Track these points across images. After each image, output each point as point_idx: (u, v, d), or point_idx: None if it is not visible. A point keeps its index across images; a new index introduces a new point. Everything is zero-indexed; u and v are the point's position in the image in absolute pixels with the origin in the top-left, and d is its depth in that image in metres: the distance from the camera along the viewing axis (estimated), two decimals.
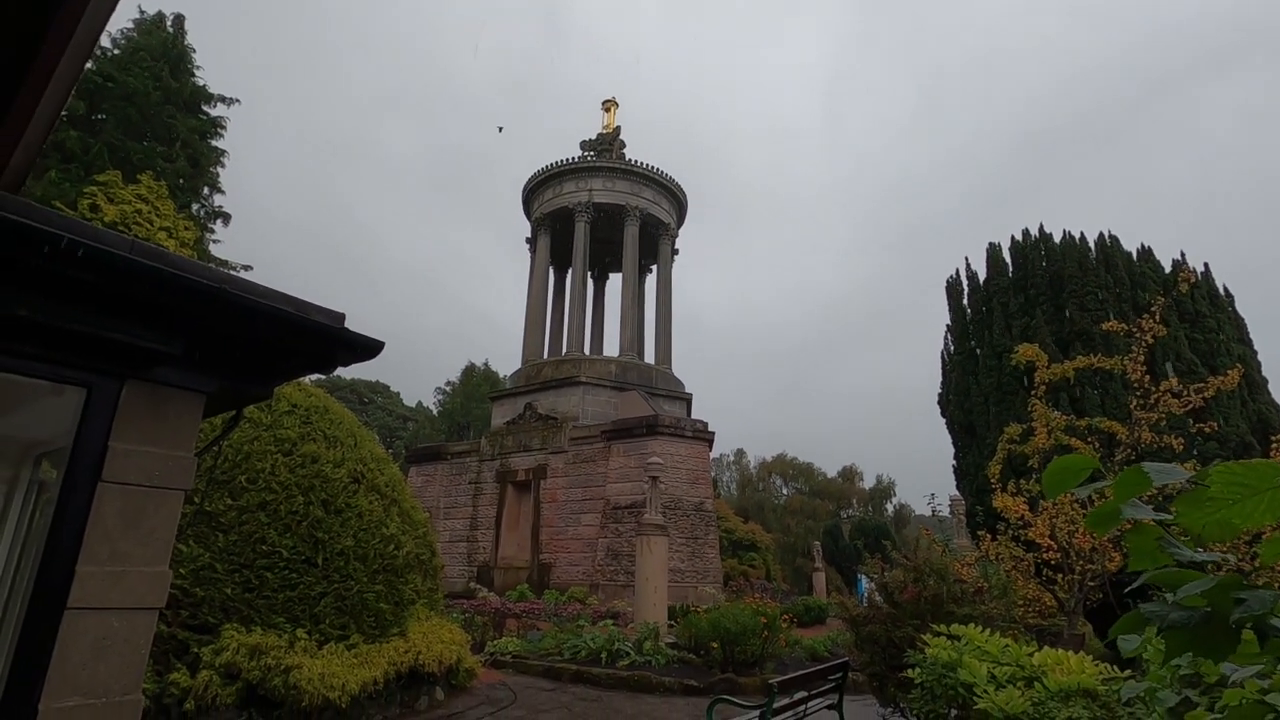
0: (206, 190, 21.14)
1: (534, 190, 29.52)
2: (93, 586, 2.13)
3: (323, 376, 44.26)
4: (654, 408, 22.93)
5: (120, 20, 20.84)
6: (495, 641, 12.44)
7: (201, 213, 20.93)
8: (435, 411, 50.83)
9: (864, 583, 18.71)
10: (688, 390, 27.32)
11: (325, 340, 2.50)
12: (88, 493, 2.17)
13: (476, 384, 46.05)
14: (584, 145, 30.23)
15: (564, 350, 27.94)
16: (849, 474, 54.42)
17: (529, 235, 30.33)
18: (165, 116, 19.53)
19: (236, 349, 2.46)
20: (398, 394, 55.09)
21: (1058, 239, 18.10)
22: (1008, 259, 18.83)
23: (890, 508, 53.76)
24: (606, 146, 29.70)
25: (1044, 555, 8.07)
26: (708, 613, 11.19)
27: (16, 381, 2.47)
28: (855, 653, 6.80)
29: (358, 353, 2.60)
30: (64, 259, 1.92)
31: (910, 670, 5.36)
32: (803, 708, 6.72)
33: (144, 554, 2.25)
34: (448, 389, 50.94)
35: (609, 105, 31.72)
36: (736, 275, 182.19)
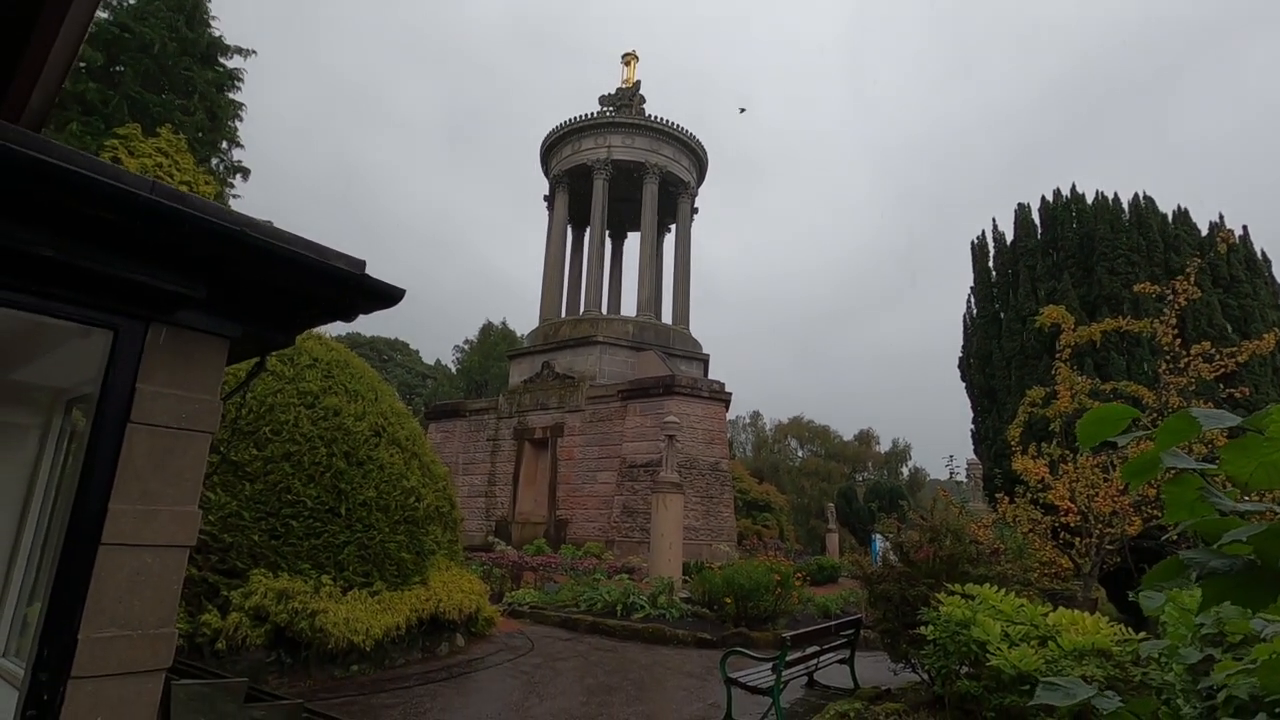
0: (225, 144, 21.09)
1: (552, 147, 29.12)
2: (125, 524, 2.18)
3: (344, 333, 44.49)
4: (671, 368, 22.95)
5: None
6: (513, 593, 12.75)
7: (221, 167, 20.93)
8: (454, 369, 51.33)
9: (878, 543, 18.84)
10: (705, 351, 27.26)
11: (346, 286, 2.49)
12: (117, 433, 2.21)
13: (494, 342, 46.32)
14: (603, 100, 29.63)
15: (581, 309, 27.91)
16: (865, 437, 54.40)
17: (547, 193, 30.04)
18: (182, 68, 19.40)
19: (258, 294, 2.46)
20: (417, 351, 55.63)
21: (1090, 200, 17.56)
22: (1036, 220, 18.34)
23: (906, 471, 53.81)
24: (626, 102, 29.09)
25: (1062, 518, 8.04)
26: (722, 569, 11.36)
27: (46, 324, 2.50)
28: (868, 610, 6.88)
29: (378, 300, 2.59)
30: (86, 197, 1.91)
31: (923, 628, 5.40)
32: (815, 661, 6.84)
33: (174, 494, 2.30)
34: (466, 347, 51.31)
35: (629, 59, 30.96)
36: (755, 235, 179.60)
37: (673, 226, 29.80)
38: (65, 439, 3.73)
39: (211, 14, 20.86)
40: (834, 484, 45.75)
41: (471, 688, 7.12)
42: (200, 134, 19.38)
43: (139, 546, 2.21)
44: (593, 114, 28.20)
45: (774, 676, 5.94)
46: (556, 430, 22.88)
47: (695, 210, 30.28)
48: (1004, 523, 8.64)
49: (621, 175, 27.50)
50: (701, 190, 30.75)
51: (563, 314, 28.31)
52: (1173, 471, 1.25)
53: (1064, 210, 17.69)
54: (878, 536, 19.31)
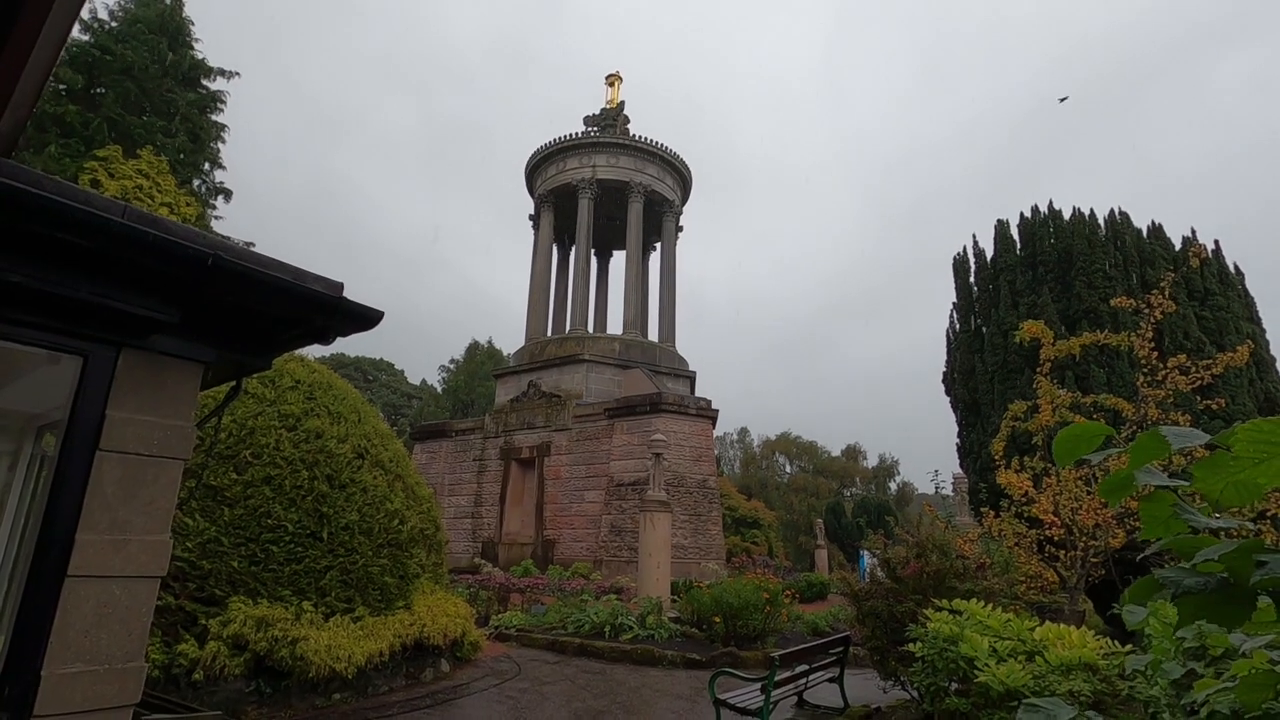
0: (207, 165, 20.99)
1: (537, 167, 29.27)
2: (93, 554, 2.12)
3: (327, 354, 44.09)
4: (658, 385, 22.93)
5: None
6: (500, 615, 12.57)
7: (203, 189, 20.81)
8: (439, 389, 50.96)
9: (866, 559, 18.82)
10: (691, 368, 27.29)
11: (323, 309, 2.46)
12: (86, 461, 2.16)
13: (480, 362, 46.11)
14: (587, 121, 29.87)
15: (568, 328, 27.88)
16: (852, 453, 54.59)
17: (532, 212, 30.13)
18: (164, 90, 19.34)
19: (234, 318, 2.43)
20: (402, 372, 55.26)
21: (1067, 216, 17.89)
22: (1016, 236, 18.64)
23: (893, 486, 54.00)
24: (610, 122, 29.34)
25: (1047, 532, 8.08)
26: (710, 588, 11.27)
27: (13, 350, 2.45)
28: (857, 627, 6.85)
29: (356, 322, 2.57)
30: (56, 223, 1.88)
31: (912, 644, 5.38)
32: (804, 681, 6.79)
33: (144, 523, 2.24)
34: (451, 366, 51.01)
35: (613, 80, 31.28)
36: (741, 253, 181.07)
37: (658, 245, 29.96)
38: (35, 466, 3.65)
39: (194, 36, 20.87)
40: (822, 500, 45.79)
41: (456, 714, 6.98)
42: (182, 156, 19.28)
43: (107, 578, 2.15)
44: (577, 134, 28.41)
45: (763, 697, 5.88)
46: (543, 449, 22.73)
47: (680, 228, 30.49)
48: (990, 537, 8.67)
49: (607, 194, 27.67)
50: (686, 209, 30.99)
51: (549, 333, 28.28)
52: (1149, 488, 1.26)
53: (1042, 226, 18.01)
54: (865, 552, 19.30)
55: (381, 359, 53.69)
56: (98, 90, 18.73)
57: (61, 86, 17.93)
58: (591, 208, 27.16)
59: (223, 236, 20.45)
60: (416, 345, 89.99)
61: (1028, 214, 18.59)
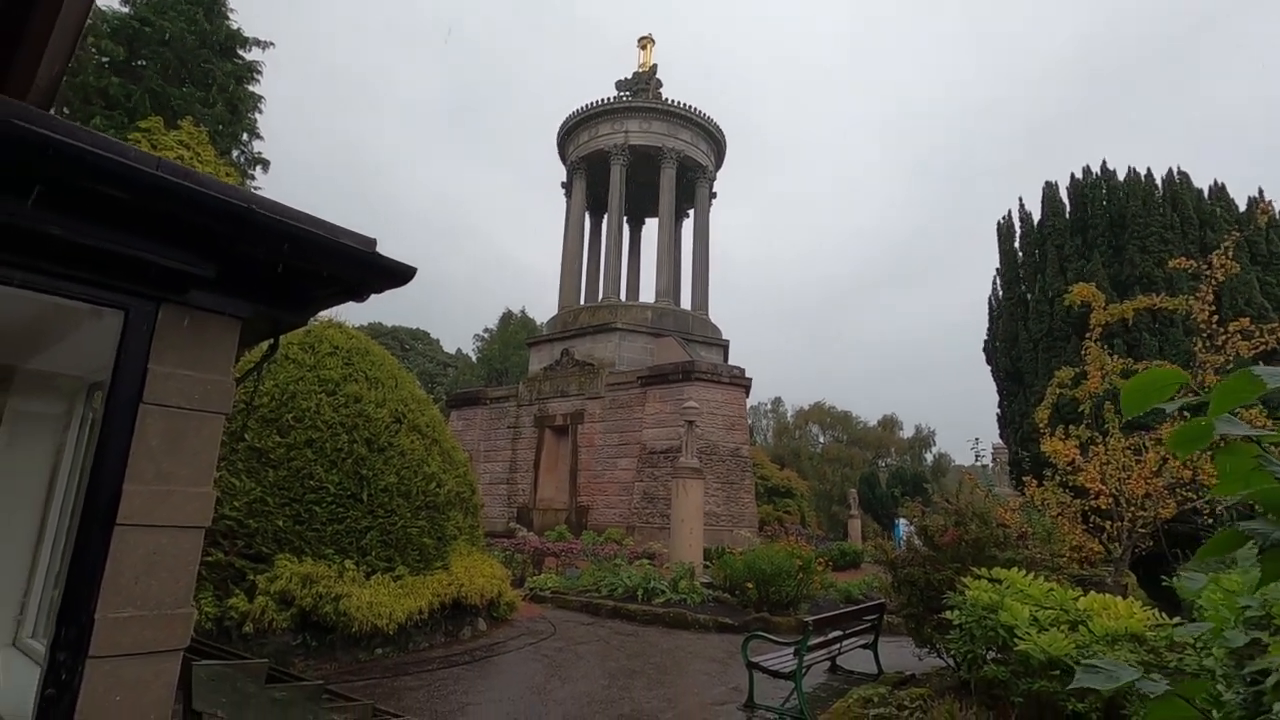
0: (245, 136, 21.26)
1: (569, 133, 28.99)
2: (140, 504, 2.17)
3: (365, 323, 44.89)
4: (690, 354, 22.84)
5: None
6: (535, 578, 12.83)
7: (241, 159, 21.12)
8: (474, 358, 51.65)
9: (901, 527, 18.65)
10: (724, 337, 27.08)
11: (356, 264, 2.45)
12: (130, 414, 2.20)
13: (514, 331, 46.49)
14: (619, 85, 29.37)
15: (600, 296, 27.85)
16: (888, 423, 53.88)
17: (564, 180, 29.95)
18: (202, 61, 19.55)
19: (268, 273, 2.43)
20: (437, 341, 56.04)
21: (1121, 176, 17.07)
22: (1065, 199, 17.88)
23: (929, 457, 53.29)
24: (643, 86, 28.80)
25: (1093, 501, 7.85)
26: (743, 554, 11.31)
27: (62, 309, 2.49)
28: (892, 595, 6.79)
29: (389, 278, 2.55)
30: (91, 173, 1.88)
31: (949, 612, 5.30)
32: (838, 646, 6.78)
33: (188, 474, 2.28)
34: (485, 335, 51.58)
35: (645, 42, 30.62)
36: (771, 219, 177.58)
37: (691, 212, 29.56)
38: (87, 425, 3.76)
39: (229, 6, 20.98)
40: (856, 470, 45.44)
41: (493, 671, 7.17)
42: (221, 126, 19.55)
43: (154, 527, 2.21)
44: (609, 99, 27.98)
45: (796, 661, 5.89)
46: (576, 417, 22.93)
47: (714, 195, 30.00)
48: (1032, 506, 8.46)
49: (639, 161, 27.31)
50: (720, 175, 30.43)
51: (581, 301, 28.29)
52: (1224, 440, 1.16)
53: (1094, 188, 17.23)
54: (901, 521, 19.12)
55: (418, 328, 54.51)
56: (138, 62, 19.02)
57: (104, 59, 18.25)
58: (624, 174, 26.86)
59: None
60: (451, 314, 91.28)
61: (1078, 175, 17.80)
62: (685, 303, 28.22)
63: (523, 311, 49.90)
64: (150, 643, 2.14)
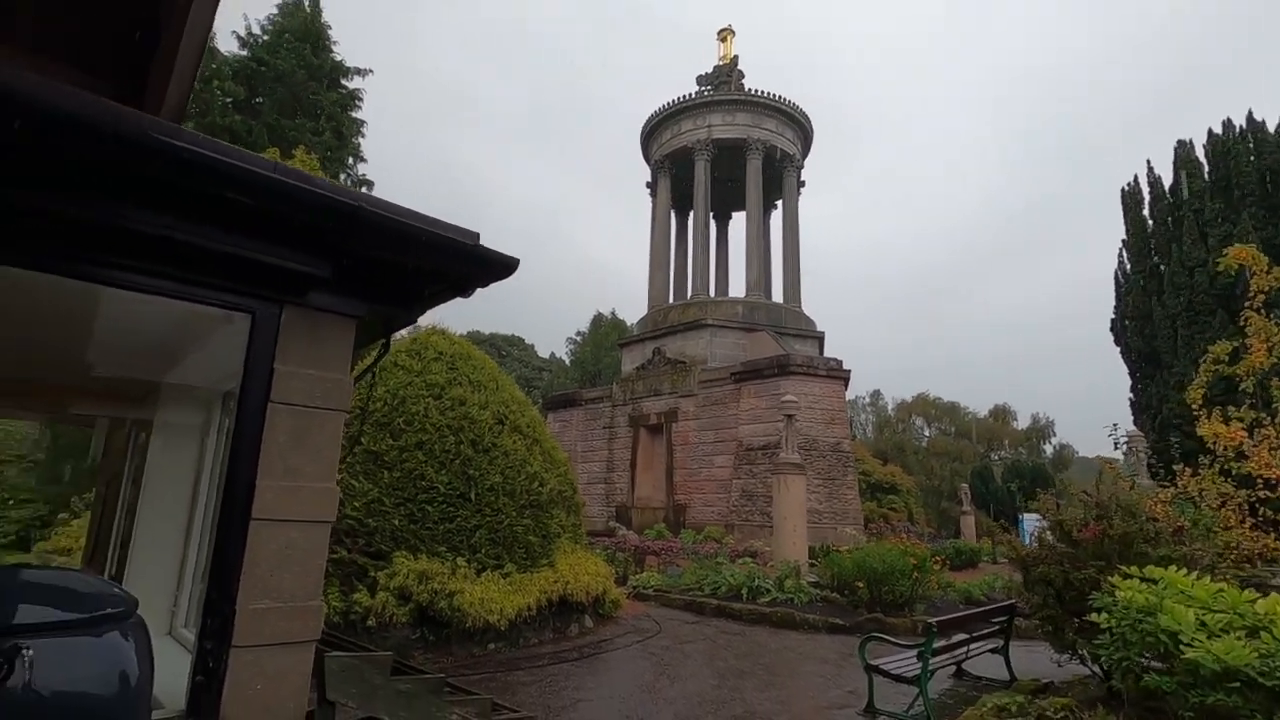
0: (350, 159, 22.65)
1: (651, 133, 29.02)
2: (271, 499, 2.25)
3: (463, 331, 46.80)
4: (784, 347, 22.29)
5: (266, 6, 22.52)
6: (637, 576, 12.86)
7: (348, 181, 22.50)
8: (567, 361, 52.79)
9: (1027, 523, 17.37)
10: (819, 328, 26.26)
11: (461, 257, 2.45)
12: (260, 412, 2.28)
13: (605, 332, 47.13)
14: (700, 80, 29.11)
15: (689, 293, 27.69)
16: (999, 413, 50.64)
17: (649, 179, 30.01)
18: (310, 93, 21.00)
19: (378, 271, 2.47)
20: (532, 346, 57.67)
21: (1272, 128, 15.15)
22: (1202, 158, 16.07)
23: (1049, 448, 49.59)
24: (724, 79, 28.42)
25: (1260, 491, 6.91)
26: (851, 552, 10.85)
27: (193, 319, 2.64)
28: (1026, 595, 6.24)
29: (494, 270, 2.54)
30: (215, 179, 1.95)
31: (1095, 615, 4.79)
32: (964, 650, 6.34)
33: (313, 470, 2.35)
34: (578, 339, 52.60)
35: (724, 34, 30.22)
36: (860, 203, 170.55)
37: (779, 202, 28.90)
38: (223, 432, 4.02)
39: (333, 39, 22.43)
40: (966, 464, 43.00)
41: (602, 668, 7.18)
42: (329, 152, 20.92)
43: (285, 521, 2.28)
44: (689, 95, 27.78)
45: (919, 664, 5.53)
46: (670, 415, 22.88)
47: (802, 183, 29.17)
48: (1185, 499, 7.56)
49: (724, 154, 26.95)
50: (808, 162, 29.56)
51: (670, 299, 28.23)
52: None
53: (1238, 143, 15.38)
54: (1027, 516, 17.81)
55: (513, 335, 56.30)
56: (257, 100, 20.68)
57: (228, 99, 19.95)
58: (708, 169, 26.59)
59: None
60: (541, 319, 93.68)
61: (1218, 131, 15.95)
62: (776, 295, 27.59)
63: (613, 313, 50.54)
64: (286, 633, 2.21)
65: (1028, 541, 7.85)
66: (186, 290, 2.21)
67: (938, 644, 5.71)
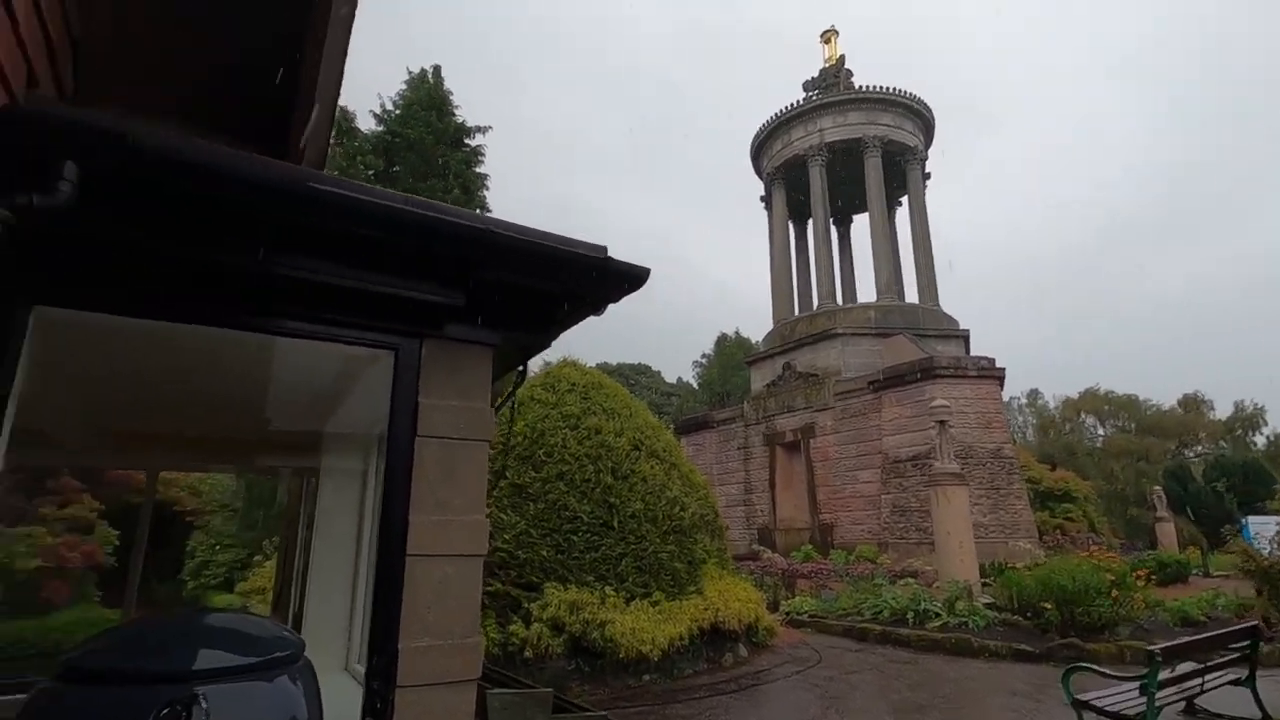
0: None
1: (761, 146, 28.63)
2: (424, 534, 2.23)
3: (593, 363, 48.30)
4: (925, 350, 20.81)
5: (395, 83, 24.76)
6: (789, 600, 12.27)
7: None
8: (695, 385, 52.70)
9: (1252, 527, 14.87)
10: (962, 327, 24.35)
11: (592, 272, 2.36)
12: (408, 446, 2.29)
13: (730, 352, 46.63)
14: (807, 85, 28.42)
15: (815, 304, 26.76)
16: (1190, 403, 44.32)
17: (763, 193, 29.55)
18: (439, 156, 22.68)
19: (511, 296, 2.44)
20: (659, 372, 58.21)
21: None
22: None
23: (1260, 439, 42.65)
24: (832, 80, 27.57)
25: None
26: (1031, 569, 9.71)
27: (343, 365, 2.72)
28: (1272, 614, 5.19)
29: (625, 283, 2.43)
30: (353, 217, 1.97)
31: None
32: (1199, 681, 5.36)
33: (462, 503, 2.32)
34: (703, 361, 52.45)
35: (828, 36, 29.41)
36: (990, 190, 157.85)
37: (904, 199, 27.36)
38: (380, 474, 4.21)
39: (455, 104, 24.17)
40: (1155, 463, 37.93)
41: (763, 700, 6.80)
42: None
43: (439, 556, 2.25)
44: (797, 103, 27.14)
45: (1143, 700, 4.71)
46: (807, 431, 22.01)
47: (928, 175, 27.47)
48: None
49: (838, 157, 26.00)
50: (931, 152, 27.84)
51: (796, 312, 27.40)
52: None
53: None
54: (1254, 520, 15.25)
55: (640, 363, 57.19)
56: (394, 169, 22.64)
57: (370, 171, 21.98)
58: (824, 174, 25.73)
59: None
60: (664, 347, 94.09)
61: None
62: (910, 295, 25.96)
63: (736, 332, 49.97)
64: (448, 672, 2.16)
65: (1268, 551, 6.59)
66: (330, 331, 2.26)
67: (1162, 675, 4.85)
